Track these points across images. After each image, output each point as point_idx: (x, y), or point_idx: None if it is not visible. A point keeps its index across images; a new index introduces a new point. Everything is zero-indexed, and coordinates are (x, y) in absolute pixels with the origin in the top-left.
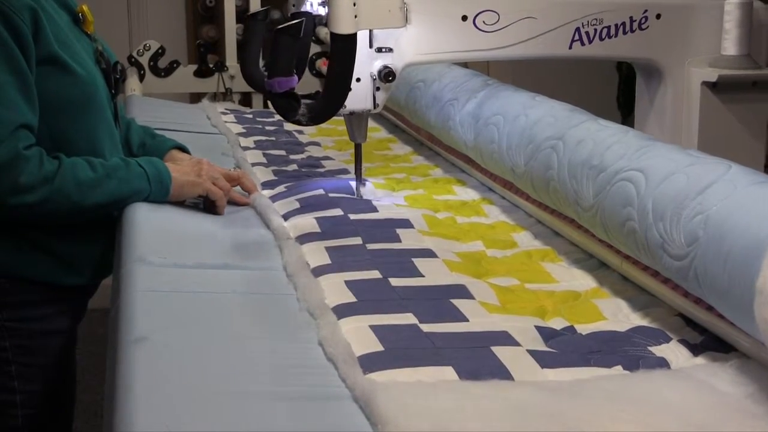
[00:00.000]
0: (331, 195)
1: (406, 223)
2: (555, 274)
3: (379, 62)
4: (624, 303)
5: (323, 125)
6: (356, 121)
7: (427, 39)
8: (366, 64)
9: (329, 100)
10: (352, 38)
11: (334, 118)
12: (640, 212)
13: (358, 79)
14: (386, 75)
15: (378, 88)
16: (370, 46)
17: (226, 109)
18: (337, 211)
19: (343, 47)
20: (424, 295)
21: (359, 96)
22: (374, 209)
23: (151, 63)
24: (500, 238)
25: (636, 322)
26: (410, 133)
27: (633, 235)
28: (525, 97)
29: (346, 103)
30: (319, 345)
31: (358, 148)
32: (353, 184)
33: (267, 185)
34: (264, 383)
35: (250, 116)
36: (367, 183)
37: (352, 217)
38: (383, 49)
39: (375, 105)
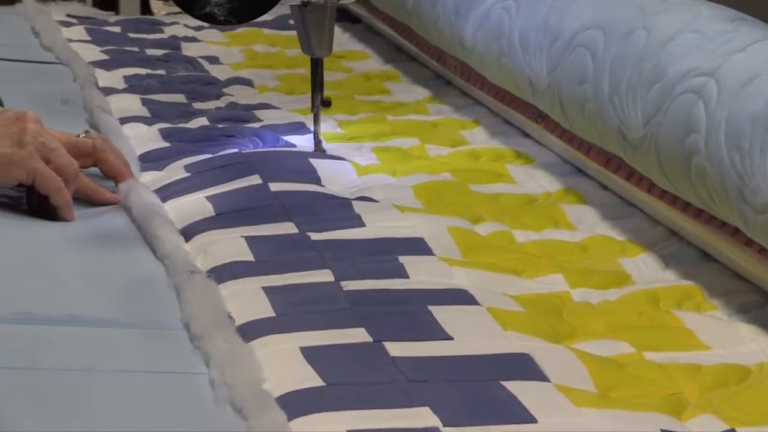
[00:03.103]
0: (273, 187)
1: (417, 246)
2: (703, 334)
3: None
4: None
5: (260, 47)
6: (313, 19)
7: None
8: None
9: None
10: None
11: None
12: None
13: None
14: None
15: None
16: None
17: (69, 15)
18: (288, 226)
19: None
20: (453, 372)
21: None
22: (358, 222)
23: None
24: (598, 267)
25: None
26: (426, 62)
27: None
28: None
29: None
30: None
31: (316, 67)
32: (308, 141)
33: (150, 162)
34: None
35: (118, 30)
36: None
37: (315, 237)
38: None
39: None
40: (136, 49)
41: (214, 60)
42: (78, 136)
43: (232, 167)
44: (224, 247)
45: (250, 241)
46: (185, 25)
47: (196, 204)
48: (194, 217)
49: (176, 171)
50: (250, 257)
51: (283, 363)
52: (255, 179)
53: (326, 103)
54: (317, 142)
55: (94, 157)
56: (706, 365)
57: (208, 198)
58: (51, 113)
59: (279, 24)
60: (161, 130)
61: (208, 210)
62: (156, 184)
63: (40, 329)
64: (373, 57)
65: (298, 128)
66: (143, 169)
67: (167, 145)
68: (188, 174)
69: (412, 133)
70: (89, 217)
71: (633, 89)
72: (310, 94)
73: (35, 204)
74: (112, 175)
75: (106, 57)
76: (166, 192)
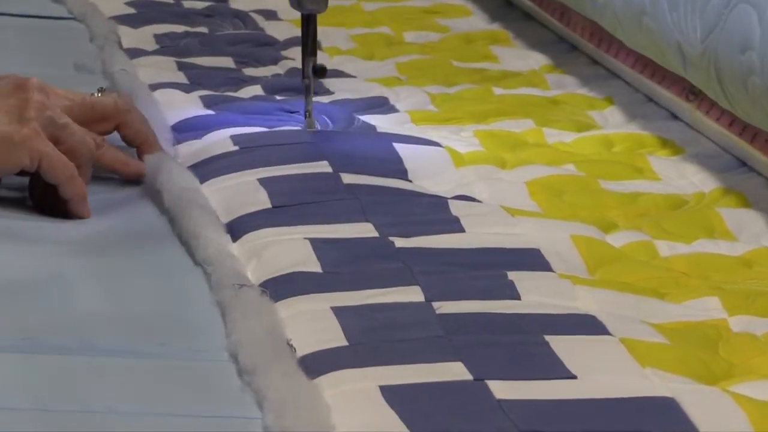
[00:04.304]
0: (346, 179)
1: (531, 258)
2: None
3: None
4: None
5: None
6: None
7: None
8: None
9: None
10: None
11: None
12: None
13: None
14: None
15: None
16: None
17: None
18: (365, 228)
19: None
20: (576, 420)
21: None
22: (455, 226)
23: None
24: (765, 288)
25: None
26: (544, 21)
27: None
28: None
29: None
30: None
31: (307, 25)
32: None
33: (186, 131)
34: None
35: None
36: (321, 117)
37: (401, 243)
38: None
39: None
40: (170, 0)
41: (270, 15)
42: (92, 95)
43: (294, 147)
44: (283, 251)
45: (317, 245)
46: None
47: (246, 189)
48: (244, 208)
49: (220, 142)
50: (317, 267)
51: (358, 406)
52: (323, 166)
53: (319, 72)
54: (309, 122)
55: (117, 121)
56: None
57: (261, 181)
58: (60, 81)
59: None
60: (203, 98)
61: (262, 199)
62: (193, 159)
63: (48, 360)
64: (476, 13)
65: (380, 104)
66: (178, 139)
67: (210, 112)
68: (236, 147)
69: (526, 113)
70: (107, 211)
71: None
72: (393, 61)
73: (40, 196)
74: (138, 142)
75: (132, 11)
76: (207, 169)
